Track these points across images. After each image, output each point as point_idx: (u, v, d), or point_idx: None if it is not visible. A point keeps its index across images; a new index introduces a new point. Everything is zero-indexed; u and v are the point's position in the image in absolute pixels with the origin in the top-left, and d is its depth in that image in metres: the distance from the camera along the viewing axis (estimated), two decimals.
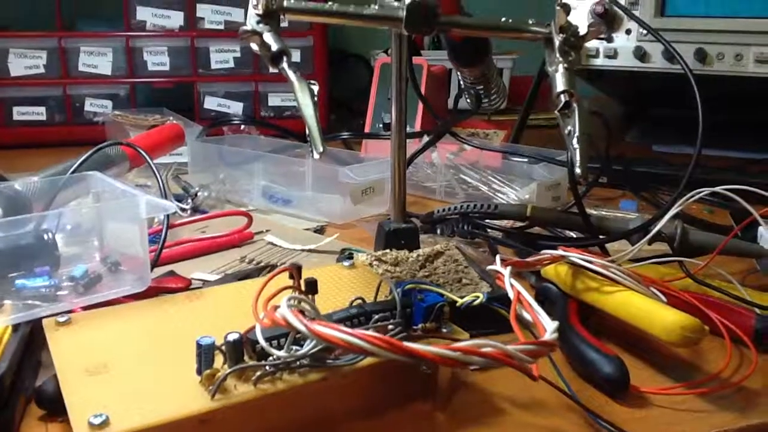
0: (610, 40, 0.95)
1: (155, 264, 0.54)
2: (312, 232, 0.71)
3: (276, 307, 0.28)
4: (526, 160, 0.84)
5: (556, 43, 0.46)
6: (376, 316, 0.39)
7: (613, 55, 0.96)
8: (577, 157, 0.40)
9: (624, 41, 0.95)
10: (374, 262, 0.53)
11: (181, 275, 0.55)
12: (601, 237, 0.57)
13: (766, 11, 0.90)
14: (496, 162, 0.84)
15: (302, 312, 0.33)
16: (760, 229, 0.60)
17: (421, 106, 0.94)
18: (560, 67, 0.46)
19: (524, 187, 0.74)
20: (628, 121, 1.29)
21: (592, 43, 0.96)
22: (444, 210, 0.63)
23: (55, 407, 0.37)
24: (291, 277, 0.38)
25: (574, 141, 0.41)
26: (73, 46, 1.18)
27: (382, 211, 0.75)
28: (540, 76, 1.08)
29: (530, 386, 0.40)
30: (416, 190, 0.83)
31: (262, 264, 0.60)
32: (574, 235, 0.62)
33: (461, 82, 0.86)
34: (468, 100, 0.85)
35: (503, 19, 0.49)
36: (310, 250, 0.65)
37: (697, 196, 0.55)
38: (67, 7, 1.20)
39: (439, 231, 0.64)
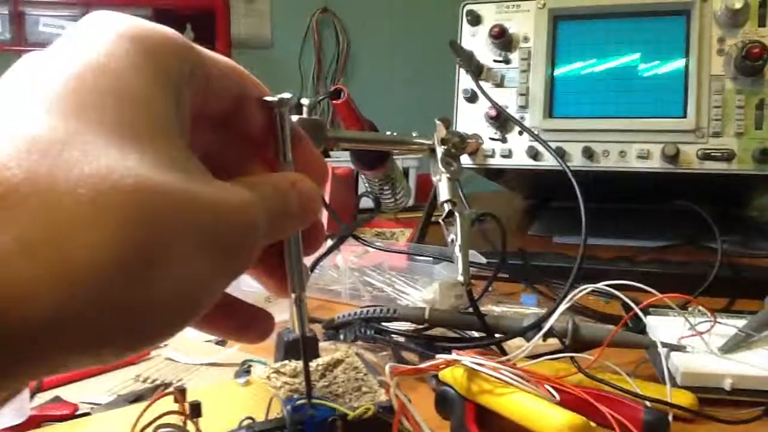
0: (504, 140, 1.01)
1: (38, 390, 0.52)
2: (213, 343, 0.69)
3: None
4: (430, 259, 0.85)
5: (438, 154, 0.48)
6: None
7: (508, 154, 1.00)
8: (459, 266, 0.42)
9: (517, 141, 1.00)
10: (273, 375, 0.52)
11: (67, 400, 0.52)
12: (497, 336, 0.58)
13: (645, 112, 0.98)
14: (401, 262, 0.86)
15: None
16: (648, 319, 0.63)
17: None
18: (443, 177, 0.48)
19: (427, 287, 0.75)
20: (531, 214, 1.35)
21: (488, 144, 1.01)
22: (344, 315, 0.63)
23: None
24: (176, 400, 0.37)
25: (456, 249, 0.43)
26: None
27: (286, 317, 0.74)
28: None
29: None
30: (322, 293, 0.83)
31: (158, 382, 0.58)
32: (477, 334, 0.63)
33: (366, 184, 0.88)
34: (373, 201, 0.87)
35: (388, 133, 0.52)
36: (209, 364, 0.63)
37: (583, 293, 0.57)
38: None
39: (342, 336, 0.64)
